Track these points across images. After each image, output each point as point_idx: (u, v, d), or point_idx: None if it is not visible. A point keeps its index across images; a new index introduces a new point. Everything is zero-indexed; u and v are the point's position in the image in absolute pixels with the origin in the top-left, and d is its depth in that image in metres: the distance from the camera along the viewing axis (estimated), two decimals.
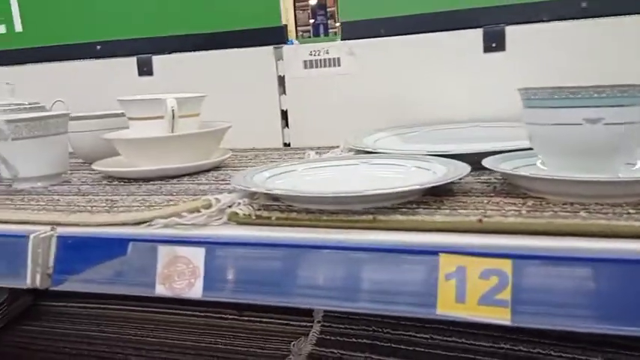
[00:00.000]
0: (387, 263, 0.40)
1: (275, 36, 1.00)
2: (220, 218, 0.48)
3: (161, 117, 0.70)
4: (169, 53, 1.05)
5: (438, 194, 0.50)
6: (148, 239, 0.47)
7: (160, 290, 0.46)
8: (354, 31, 0.95)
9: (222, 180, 0.66)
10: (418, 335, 0.93)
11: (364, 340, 0.94)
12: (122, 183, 0.69)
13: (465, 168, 0.50)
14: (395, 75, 0.91)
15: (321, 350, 0.94)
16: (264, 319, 1.06)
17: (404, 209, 0.46)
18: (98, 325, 1.14)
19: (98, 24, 1.11)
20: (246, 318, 1.07)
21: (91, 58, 1.12)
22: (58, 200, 0.61)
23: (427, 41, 0.89)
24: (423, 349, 0.90)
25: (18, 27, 1.18)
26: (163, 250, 0.46)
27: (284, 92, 0.98)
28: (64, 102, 0.99)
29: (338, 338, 0.95)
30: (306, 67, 0.96)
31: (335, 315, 1.00)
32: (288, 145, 0.99)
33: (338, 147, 0.82)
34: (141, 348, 1.05)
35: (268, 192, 0.48)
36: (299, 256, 0.43)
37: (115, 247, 0.48)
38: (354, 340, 0.95)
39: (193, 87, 1.02)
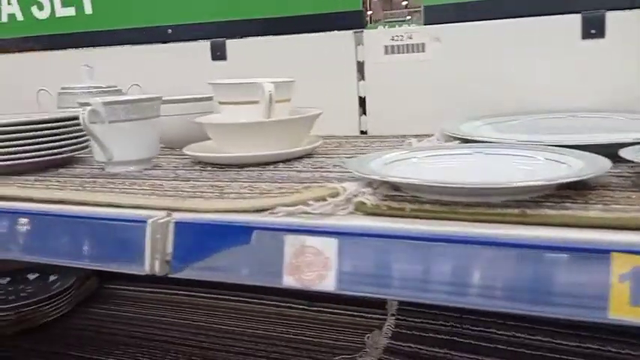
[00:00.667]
0: (547, 262, 0.37)
1: (352, 20, 0.97)
2: (346, 208, 0.46)
3: (255, 102, 0.69)
4: (241, 37, 1.03)
5: (574, 188, 0.47)
6: (273, 228, 0.45)
7: (288, 281, 0.44)
8: (439, 15, 0.91)
9: (320, 167, 0.64)
10: (500, 332, 0.90)
11: (443, 336, 0.91)
12: (216, 168, 0.67)
13: (605, 161, 0.47)
14: (482, 62, 0.88)
15: (398, 344, 0.92)
16: (335, 310, 1.05)
17: (549, 203, 0.43)
18: (166, 310, 1.14)
19: (169, 7, 1.10)
20: (316, 309, 1.06)
21: (161, 42, 1.11)
22: (161, 185, 0.59)
23: (519, 27, 0.85)
24: (505, 347, 0.87)
25: (88, 9, 1.17)
26: (291, 240, 0.44)
27: (362, 78, 0.95)
28: (140, 86, 0.98)
29: (414, 332, 0.93)
30: (387, 52, 0.93)
31: (410, 308, 0.97)
32: (365, 132, 0.97)
33: (430, 135, 0.79)
34: (212, 335, 1.04)
35: (409, 181, 0.45)
36: (442, 251, 0.40)
37: (237, 234, 0.46)
38: (431, 335, 0.92)
39: (267, 72, 1.00)
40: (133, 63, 1.10)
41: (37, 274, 1.19)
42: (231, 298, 1.16)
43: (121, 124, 0.66)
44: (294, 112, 0.73)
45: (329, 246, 0.43)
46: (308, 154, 0.72)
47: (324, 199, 0.46)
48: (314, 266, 0.43)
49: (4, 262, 1.24)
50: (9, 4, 1.24)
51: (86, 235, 0.52)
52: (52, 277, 1.17)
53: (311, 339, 0.98)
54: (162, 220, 0.49)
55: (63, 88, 0.94)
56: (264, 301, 1.11)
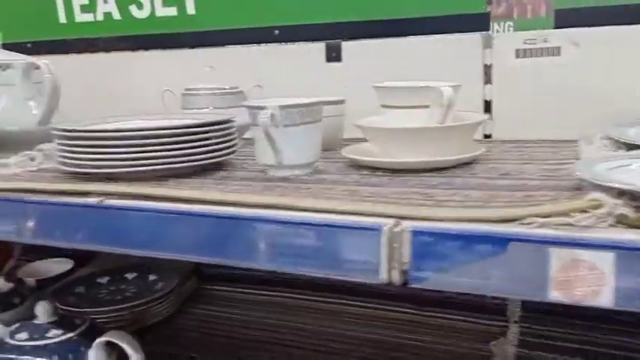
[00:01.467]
0: None
1: (475, 23, 0.96)
2: (606, 220, 0.44)
3: (426, 106, 0.68)
4: (356, 39, 1.02)
5: None
6: (536, 240, 0.44)
7: (555, 296, 0.43)
8: (573, 18, 0.90)
9: (506, 174, 0.63)
10: (633, 341, 0.89)
11: (572, 345, 0.90)
12: (380, 173, 0.66)
13: None
14: (619, 67, 0.86)
15: (525, 352, 0.90)
16: (447, 316, 1.03)
17: None
18: (267, 311, 1.13)
19: (276, 7, 1.09)
20: (427, 314, 1.05)
21: (268, 42, 1.10)
22: (357, 190, 0.58)
23: None
24: None
25: (190, 9, 1.16)
26: (558, 253, 0.43)
27: (488, 82, 0.94)
28: (262, 87, 0.97)
29: (542, 341, 0.92)
30: (518, 56, 0.91)
31: (532, 316, 0.96)
32: (489, 136, 0.96)
33: (570, 141, 0.78)
34: (318, 337, 1.03)
35: None
36: None
37: (489, 245, 0.45)
38: (560, 343, 0.91)
39: (385, 74, 0.99)
40: (239, 64, 1.09)
41: (135, 274, 1.18)
42: (335, 300, 1.14)
43: (295, 128, 0.65)
44: (456, 118, 0.72)
45: (605, 260, 0.41)
46: (473, 160, 0.71)
47: (584, 211, 0.44)
48: (587, 281, 0.42)
49: (104, 261, 1.24)
50: (105, 2, 1.23)
51: (312, 243, 0.51)
52: (151, 277, 1.17)
53: (426, 345, 0.97)
54: (397, 229, 0.48)
55: (187, 90, 0.93)
56: (369, 304, 1.10)
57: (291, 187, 0.61)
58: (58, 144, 0.69)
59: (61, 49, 1.30)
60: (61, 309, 1.03)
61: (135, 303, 1.02)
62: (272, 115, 0.64)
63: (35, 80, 0.89)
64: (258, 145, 0.68)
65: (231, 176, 0.69)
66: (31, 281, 1.14)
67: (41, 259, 1.35)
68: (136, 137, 0.64)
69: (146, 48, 1.21)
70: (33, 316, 1.05)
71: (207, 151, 0.68)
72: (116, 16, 1.23)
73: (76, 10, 1.27)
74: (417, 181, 0.61)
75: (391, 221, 0.49)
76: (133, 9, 1.21)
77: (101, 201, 0.60)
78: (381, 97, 0.72)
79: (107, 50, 1.25)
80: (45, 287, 1.15)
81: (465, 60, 0.94)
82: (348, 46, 1.02)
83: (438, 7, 0.98)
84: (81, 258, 1.27)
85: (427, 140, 0.66)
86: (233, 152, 0.74)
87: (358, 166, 0.71)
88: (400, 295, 1.07)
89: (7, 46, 1.36)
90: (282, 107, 0.64)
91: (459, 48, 0.95)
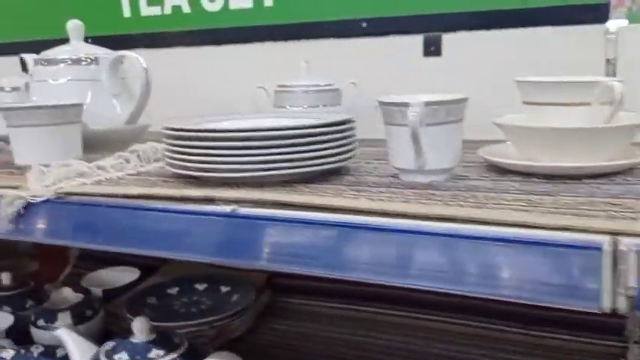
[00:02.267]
0: None
1: (591, 14, 0.88)
2: None
3: (586, 103, 0.59)
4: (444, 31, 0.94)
5: None
6: None
7: None
8: None
9: None
10: None
11: None
12: (539, 180, 0.58)
13: None
14: None
15: None
16: (558, 336, 0.94)
17: None
18: (344, 326, 1.05)
19: None
20: (532, 333, 0.96)
21: (354, 36, 1.02)
22: (530, 200, 0.50)
23: None
24: None
25: (268, 1, 1.09)
26: None
27: (611, 76, 0.86)
28: (356, 84, 0.89)
29: None
30: None
31: None
32: None
33: None
34: (398, 354, 0.95)
35: None
36: None
37: None
38: None
39: (489, 70, 0.92)
40: (326, 58, 1.01)
41: (205, 285, 1.11)
42: (415, 315, 1.06)
43: (438, 128, 0.58)
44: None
45: None
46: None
47: None
48: None
49: (169, 269, 1.17)
50: None
51: (504, 262, 0.43)
52: (223, 288, 1.09)
53: None
54: (622, 247, 0.40)
55: (280, 86, 0.86)
56: (462, 322, 1.02)
57: (448, 195, 0.53)
58: (169, 145, 0.62)
59: (124, 44, 1.23)
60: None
61: (216, 317, 0.94)
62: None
63: (121, 75, 0.82)
64: (394, 146, 0.60)
65: (362, 181, 0.61)
66: (97, 291, 1.08)
67: (97, 266, 1.29)
68: (264, 138, 0.56)
69: (218, 42, 1.14)
70: (107, 330, 1.01)
71: (335, 153, 0.61)
72: (186, 9, 1.16)
73: (142, 3, 1.20)
74: (591, 189, 0.53)
75: (607, 238, 0.41)
76: (205, 2, 1.14)
77: (234, 209, 0.53)
78: (528, 92, 0.63)
79: (174, 45, 1.18)
80: (112, 298, 1.09)
81: (582, 54, 0.86)
82: (449, 39, 0.94)
83: None
84: (145, 266, 1.20)
85: (591, 142, 0.58)
86: (355, 154, 0.66)
87: (500, 170, 0.63)
88: (498, 311, 0.99)
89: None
90: (428, 104, 0.57)
91: (575, 41, 0.87)
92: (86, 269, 1.33)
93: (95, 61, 0.80)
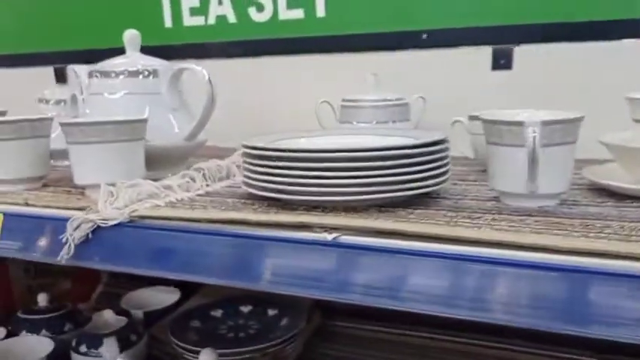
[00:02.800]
0: None
1: None
2: None
3: None
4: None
5: None
6: None
7: None
8: None
9: None
10: None
11: None
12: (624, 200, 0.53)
13: None
14: None
15: None
16: None
17: None
18: (397, 352, 1.00)
19: (424, 9, 0.97)
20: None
21: (413, 48, 0.97)
22: None
23: None
24: None
25: (320, 12, 1.05)
26: None
27: None
28: (424, 98, 0.84)
29: None
30: None
31: None
32: None
33: None
34: None
35: None
36: None
37: None
38: None
39: (563, 85, 0.87)
40: (390, 71, 0.96)
41: (250, 307, 1.05)
42: (471, 342, 1.00)
43: (555, 149, 0.52)
44: None
45: None
46: None
47: None
48: None
49: (210, 289, 1.11)
50: (220, 4, 1.12)
51: None
52: (270, 311, 1.03)
53: None
54: None
55: (346, 100, 0.81)
56: (520, 348, 0.96)
57: (577, 224, 0.48)
58: (250, 164, 0.57)
59: (165, 55, 1.18)
60: (179, 346, 0.91)
61: (269, 344, 0.89)
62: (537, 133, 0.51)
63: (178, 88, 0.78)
64: (498, 168, 0.55)
65: (463, 206, 0.55)
66: (138, 313, 1.02)
67: (130, 285, 1.24)
68: (366, 159, 0.51)
69: (267, 53, 1.09)
70: (150, 355, 0.95)
71: (434, 175, 0.56)
72: (231, 19, 1.12)
73: (185, 13, 1.16)
74: None
75: None
76: (252, 12, 1.10)
77: (336, 237, 0.47)
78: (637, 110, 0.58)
79: (218, 56, 1.14)
80: (154, 320, 1.03)
81: None
82: (521, 52, 0.89)
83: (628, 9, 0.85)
84: (183, 285, 1.15)
85: None
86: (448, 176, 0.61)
87: (610, 193, 0.58)
88: (555, 337, 0.93)
89: (104, 53, 1.26)
90: (546, 123, 0.51)
91: None
92: (118, 288, 1.27)
93: (154, 73, 0.75)
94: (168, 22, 1.18)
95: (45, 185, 0.72)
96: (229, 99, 1.07)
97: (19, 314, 0.97)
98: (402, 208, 0.54)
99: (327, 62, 1.03)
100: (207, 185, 0.68)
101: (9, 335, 0.95)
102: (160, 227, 0.54)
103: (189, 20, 1.16)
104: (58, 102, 0.92)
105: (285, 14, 1.07)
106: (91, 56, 1.29)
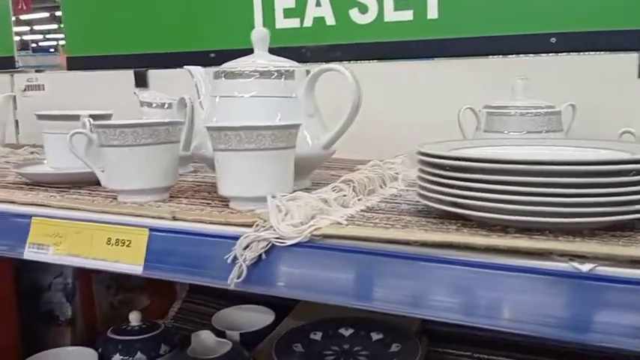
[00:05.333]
0: None
1: None
2: None
3: None
4: None
5: None
6: None
7: None
8: None
9: None
10: None
11: None
12: None
13: None
14: None
15: None
16: None
17: None
18: None
19: (554, 10, 0.89)
20: None
21: (541, 52, 0.90)
22: None
23: None
24: None
25: (432, 13, 0.97)
26: None
27: None
28: (574, 106, 0.77)
29: None
30: None
31: None
32: None
33: None
34: None
35: None
36: None
37: None
38: None
39: None
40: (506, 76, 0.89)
41: (351, 330, 0.97)
42: None
43: None
44: None
45: None
46: None
47: None
48: None
49: (306, 307, 1.04)
50: (318, 5, 1.06)
51: None
52: (374, 335, 0.95)
53: None
54: None
55: (492, 107, 0.73)
56: None
57: None
58: (428, 174, 0.50)
59: None
60: None
61: None
62: None
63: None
64: None
65: None
66: (234, 335, 0.95)
67: (210, 301, 1.17)
68: (602, 173, 0.44)
69: (368, 58, 1.02)
70: None
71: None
72: (330, 21, 1.05)
73: (278, 14, 1.10)
74: None
75: None
76: (354, 13, 1.03)
77: (592, 269, 0.40)
78: None
79: (314, 60, 1.07)
80: (250, 342, 0.96)
81: None
82: None
83: None
84: (270, 304, 1.07)
85: None
86: None
87: None
88: None
89: (189, 56, 1.20)
90: None
91: None
92: (196, 304, 1.21)
93: (289, 74, 0.68)
94: (259, 25, 1.12)
95: (172, 196, 0.65)
96: (334, 105, 1.01)
97: (110, 334, 0.90)
98: (628, 231, 0.46)
99: (438, 67, 0.96)
100: (359, 199, 0.61)
101: (101, 359, 0.88)
102: (347, 248, 0.47)
103: (282, 22, 1.10)
104: (161, 105, 0.85)
105: (392, 16, 1.00)
106: (171, 60, 1.24)
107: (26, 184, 0.76)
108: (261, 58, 0.71)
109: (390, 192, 0.66)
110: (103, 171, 0.64)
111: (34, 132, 1.35)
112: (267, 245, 0.48)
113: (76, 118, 0.74)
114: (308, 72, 0.70)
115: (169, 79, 1.20)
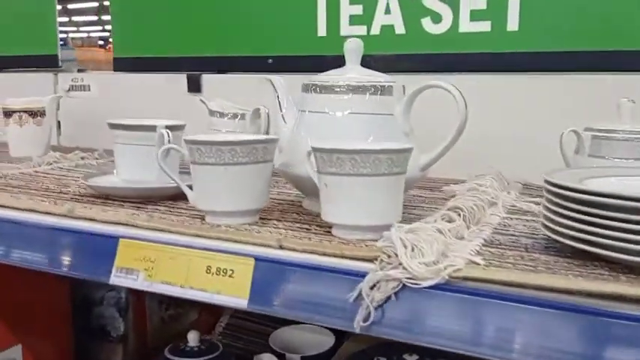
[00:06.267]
0: None
1: None
2: None
3: None
4: None
5: None
6: None
7: None
8: None
9: None
10: None
11: None
12: None
13: None
14: None
15: None
16: None
17: None
18: None
19: None
20: None
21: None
22: None
23: None
24: None
25: (512, 25, 0.92)
26: None
27: None
28: None
29: None
30: None
31: None
32: None
33: None
34: None
35: None
36: None
37: None
38: None
39: None
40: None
41: (416, 356, 0.93)
42: None
43: None
44: None
45: None
46: None
47: None
48: None
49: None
50: (387, 12, 1.01)
51: None
52: None
53: None
54: None
55: (598, 131, 0.68)
56: None
57: None
58: (560, 207, 0.45)
59: (312, 67, 1.07)
60: None
61: None
62: None
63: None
64: None
65: None
66: (295, 358, 0.90)
67: (260, 318, 1.13)
68: None
69: (439, 70, 0.97)
70: None
71: None
72: (399, 30, 1.01)
73: (344, 21, 1.05)
74: None
75: None
76: (426, 22, 0.98)
77: None
78: None
79: (381, 70, 1.02)
80: None
81: None
82: None
83: None
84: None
85: None
86: None
87: None
88: None
89: (245, 61, 1.16)
90: None
91: None
92: (244, 319, 1.16)
93: (385, 90, 0.64)
94: (322, 31, 1.07)
95: (262, 219, 0.61)
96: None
97: (168, 355, 0.86)
98: None
99: (517, 83, 0.91)
100: (470, 230, 0.56)
101: None
102: (491, 294, 0.42)
103: (347, 29, 1.05)
104: (234, 116, 0.81)
105: (468, 27, 0.96)
106: (225, 64, 1.19)
107: (94, 196, 0.72)
108: (354, 72, 0.67)
109: (494, 220, 0.61)
110: (191, 188, 0.60)
111: (76, 133, 1.32)
112: (398, 286, 0.43)
113: (151, 128, 0.70)
114: (403, 87, 0.66)
115: (222, 84, 1.16)
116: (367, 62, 1.05)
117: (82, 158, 1.03)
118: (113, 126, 0.72)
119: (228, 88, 1.14)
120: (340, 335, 0.99)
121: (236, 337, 1.12)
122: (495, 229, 0.58)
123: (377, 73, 0.68)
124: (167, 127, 0.69)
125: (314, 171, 0.57)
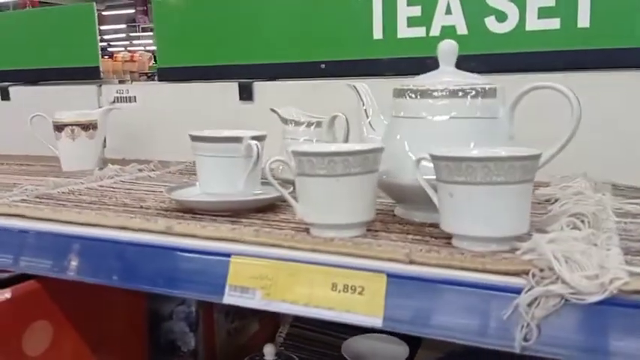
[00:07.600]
0: None
1: None
2: None
3: None
4: None
5: None
6: None
7: None
8: None
9: None
10: None
11: None
12: None
13: None
14: None
15: None
16: None
17: None
18: None
19: None
20: None
21: None
22: None
23: None
24: None
25: (583, 21, 0.90)
26: None
27: None
28: None
29: None
30: None
31: None
32: None
33: None
34: None
35: None
36: None
37: None
38: None
39: None
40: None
41: None
42: None
43: None
44: None
45: None
46: None
47: None
48: None
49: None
50: (448, 12, 0.99)
51: None
52: None
53: None
54: None
55: None
56: None
57: None
58: None
59: (369, 70, 1.05)
60: None
61: None
62: None
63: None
64: None
65: None
66: None
67: (319, 326, 1.10)
68: None
69: (505, 70, 0.95)
70: None
71: None
72: (461, 30, 0.98)
73: (401, 23, 1.02)
74: None
75: None
76: (490, 21, 0.96)
77: None
78: None
79: None
80: None
81: None
82: None
83: None
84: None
85: None
86: None
87: None
88: None
89: (297, 67, 1.13)
90: None
91: None
92: (304, 329, 1.14)
93: (487, 92, 0.61)
94: (377, 34, 1.05)
95: (368, 230, 0.58)
96: None
97: None
98: None
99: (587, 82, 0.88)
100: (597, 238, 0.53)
101: None
102: None
103: (405, 31, 1.03)
104: (310, 124, 0.78)
105: (535, 24, 0.93)
106: (276, 71, 1.16)
107: (177, 210, 0.69)
108: (451, 75, 0.64)
109: (608, 225, 0.59)
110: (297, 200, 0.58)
111: (120, 146, 1.30)
112: (560, 302, 0.41)
113: (234, 140, 0.68)
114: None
115: (274, 91, 1.14)
116: (426, 64, 1.03)
117: (140, 170, 1.01)
118: (195, 138, 0.70)
119: (279, 95, 1.12)
120: (408, 341, 0.96)
121: (298, 347, 1.09)
122: (620, 235, 0.55)
123: (473, 75, 0.65)
124: (252, 137, 0.67)
125: (425, 180, 0.55)
